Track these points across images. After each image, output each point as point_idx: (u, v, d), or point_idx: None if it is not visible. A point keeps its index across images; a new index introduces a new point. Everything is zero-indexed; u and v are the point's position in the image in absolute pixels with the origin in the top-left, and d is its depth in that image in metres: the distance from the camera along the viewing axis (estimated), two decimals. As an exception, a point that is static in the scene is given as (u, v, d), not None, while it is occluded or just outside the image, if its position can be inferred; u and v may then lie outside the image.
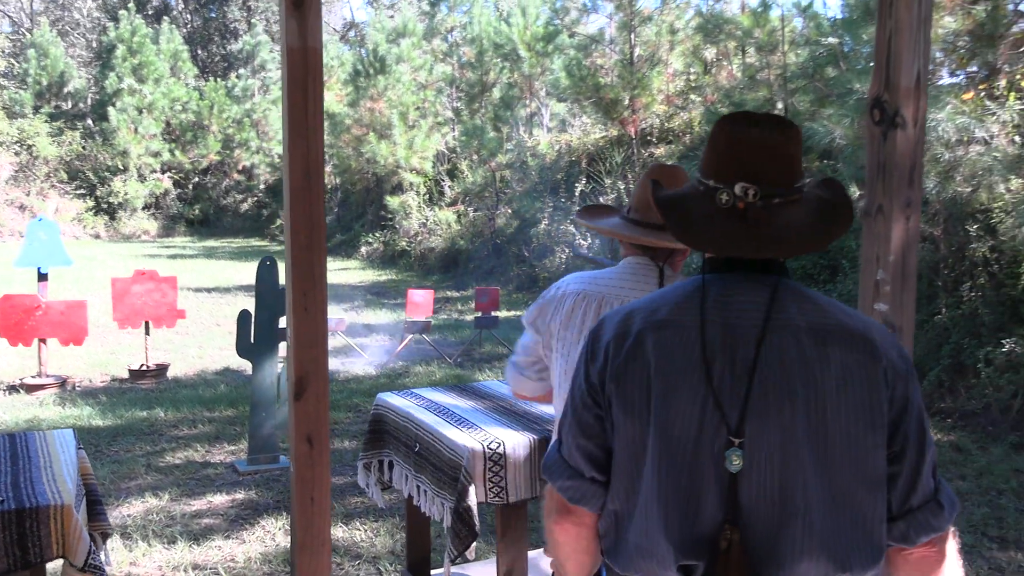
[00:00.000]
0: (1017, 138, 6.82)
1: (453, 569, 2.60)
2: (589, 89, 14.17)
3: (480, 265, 15.34)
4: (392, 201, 18.43)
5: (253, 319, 5.55)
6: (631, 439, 1.36)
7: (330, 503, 2.35)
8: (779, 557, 1.29)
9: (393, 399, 3.04)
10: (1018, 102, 6.73)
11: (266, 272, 5.56)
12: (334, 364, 8.81)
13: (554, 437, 1.71)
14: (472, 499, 2.46)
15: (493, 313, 9.25)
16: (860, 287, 3.32)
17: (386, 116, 19.82)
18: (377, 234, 19.42)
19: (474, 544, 2.48)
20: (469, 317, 11.79)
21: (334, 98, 22.33)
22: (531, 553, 2.68)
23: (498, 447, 2.52)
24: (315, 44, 2.22)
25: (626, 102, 13.96)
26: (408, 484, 2.86)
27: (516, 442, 2.56)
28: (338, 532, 4.54)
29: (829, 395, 1.29)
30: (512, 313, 11.84)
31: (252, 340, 5.55)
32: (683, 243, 1.40)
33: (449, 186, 18.74)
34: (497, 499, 2.51)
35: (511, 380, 2.34)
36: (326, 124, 22.54)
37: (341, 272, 17.21)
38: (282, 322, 5.75)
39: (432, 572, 3.29)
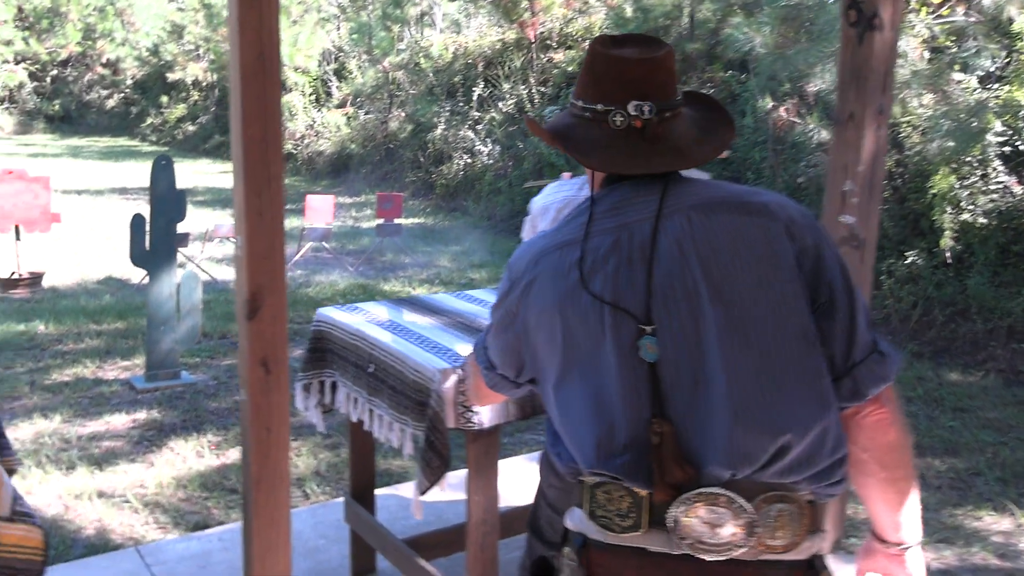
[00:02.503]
0: (927, 53, 6.88)
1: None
2: (488, -12, 13.61)
3: (373, 170, 14.80)
4: (276, 101, 17.45)
5: (148, 225, 5.07)
6: (545, 363, 1.37)
7: (288, 432, 2.09)
8: (713, 438, 1.22)
9: (339, 315, 2.76)
10: (929, 16, 6.77)
11: (161, 173, 5.06)
12: (225, 274, 8.32)
13: None
14: (443, 426, 2.24)
15: (396, 220, 8.92)
16: (827, 197, 3.22)
17: (268, 9, 18.60)
18: (260, 136, 18.43)
19: (446, 475, 2.28)
20: (365, 225, 11.39)
21: (209, -12, 20.79)
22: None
23: (470, 368, 2.30)
24: None
25: (525, 4, 13.50)
26: (358, 408, 2.61)
27: (487, 362, 2.34)
28: (255, 453, 4.27)
29: (728, 259, 1.26)
30: (411, 221, 11.49)
31: (147, 247, 5.08)
32: (589, 167, 1.38)
33: (337, 87, 17.91)
34: (469, 424, 2.30)
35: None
36: (201, 16, 21.06)
37: (223, 175, 16.31)
38: (180, 228, 5.28)
39: (376, 492, 3.09)
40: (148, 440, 4.40)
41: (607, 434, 1.26)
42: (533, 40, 13.60)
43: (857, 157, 2.99)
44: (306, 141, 17.03)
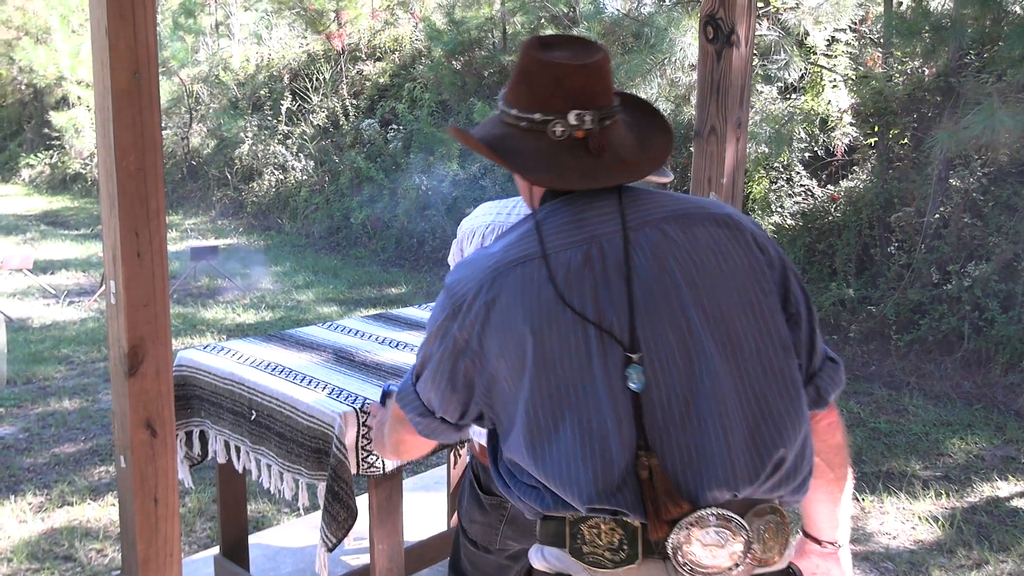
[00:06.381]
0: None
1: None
2: (292, -1, 13.18)
3: (175, 189, 13.91)
4: (58, 117, 16.07)
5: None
6: (508, 394, 1.22)
7: (177, 501, 1.85)
8: (712, 462, 1.16)
9: (204, 357, 2.50)
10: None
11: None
12: (19, 310, 7.52)
13: None
14: (348, 474, 2.06)
15: (208, 240, 8.39)
16: (693, 210, 3.27)
17: (43, 18, 17.13)
18: (41, 155, 16.91)
19: (352, 527, 2.10)
20: (173, 248, 10.67)
21: (-29, -7, 18.85)
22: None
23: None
24: None
25: (332, 14, 13.18)
26: (241, 458, 2.37)
27: (385, 400, 2.18)
28: (88, 511, 3.83)
29: (711, 274, 1.22)
30: (223, 242, 10.88)
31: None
32: (531, 182, 1.29)
33: (128, 101, 16.70)
34: (372, 469, 2.13)
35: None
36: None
37: (1, 199, 14.82)
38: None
39: (250, 540, 2.84)
40: (-46, 509, 3.85)
41: (604, 468, 1.16)
42: (341, 51, 13.30)
43: (720, 170, 3.07)
44: (96, 160, 15.78)
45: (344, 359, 2.50)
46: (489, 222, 1.90)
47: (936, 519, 3.82)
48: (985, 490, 4.12)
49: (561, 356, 1.17)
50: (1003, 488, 4.14)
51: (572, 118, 1.25)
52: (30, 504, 3.89)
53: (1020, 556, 3.50)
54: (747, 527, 1.17)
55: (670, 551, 1.15)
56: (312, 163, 12.11)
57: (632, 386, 1.16)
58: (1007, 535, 3.67)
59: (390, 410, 1.49)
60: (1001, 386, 5.53)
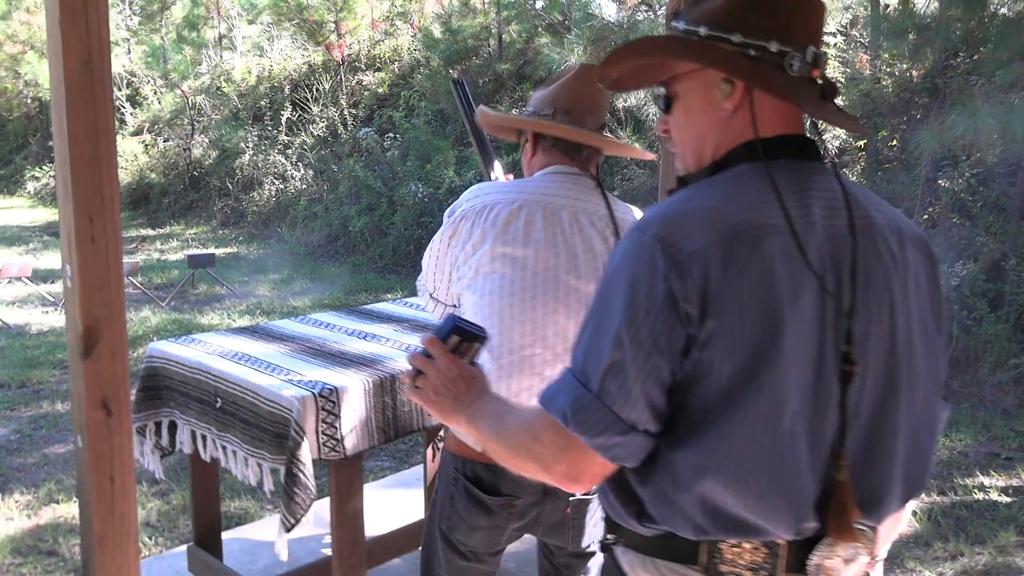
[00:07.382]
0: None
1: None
2: (292, 10, 13.30)
3: (177, 200, 14.02)
4: (63, 130, 16.19)
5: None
6: (713, 384, 1.04)
7: (134, 480, 1.89)
8: (870, 489, 1.13)
9: (174, 348, 2.55)
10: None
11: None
12: (17, 317, 7.60)
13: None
14: (306, 456, 2.11)
15: (209, 249, 8.46)
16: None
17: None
18: (47, 167, 17.05)
19: (311, 508, 2.14)
20: (173, 257, 10.76)
21: (-23, 8, 19.06)
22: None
23: (331, 394, 2.17)
24: None
25: (332, 25, 13.30)
26: (208, 447, 2.42)
27: (347, 386, 2.23)
28: (74, 509, 3.88)
29: (911, 299, 1.14)
30: (222, 251, 10.96)
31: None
32: (800, 106, 1.12)
33: (131, 113, 16.86)
34: (333, 453, 2.17)
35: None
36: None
37: (6, 212, 14.95)
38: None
39: (223, 535, 2.88)
40: (-58, 507, 3.90)
41: (811, 477, 1.08)
42: (341, 62, 13.40)
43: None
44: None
45: (311, 349, 2.55)
46: (481, 203, 1.85)
47: (914, 512, 3.83)
48: (966, 485, 4.14)
49: (784, 341, 1.03)
50: (984, 483, 4.15)
51: (810, 55, 1.11)
52: (17, 502, 3.94)
53: (996, 548, 3.52)
54: (875, 540, 1.15)
55: (812, 569, 1.11)
56: (311, 172, 12.19)
57: (846, 378, 1.07)
58: (984, 528, 3.69)
59: (458, 361, 1.26)
60: (989, 384, 5.54)
